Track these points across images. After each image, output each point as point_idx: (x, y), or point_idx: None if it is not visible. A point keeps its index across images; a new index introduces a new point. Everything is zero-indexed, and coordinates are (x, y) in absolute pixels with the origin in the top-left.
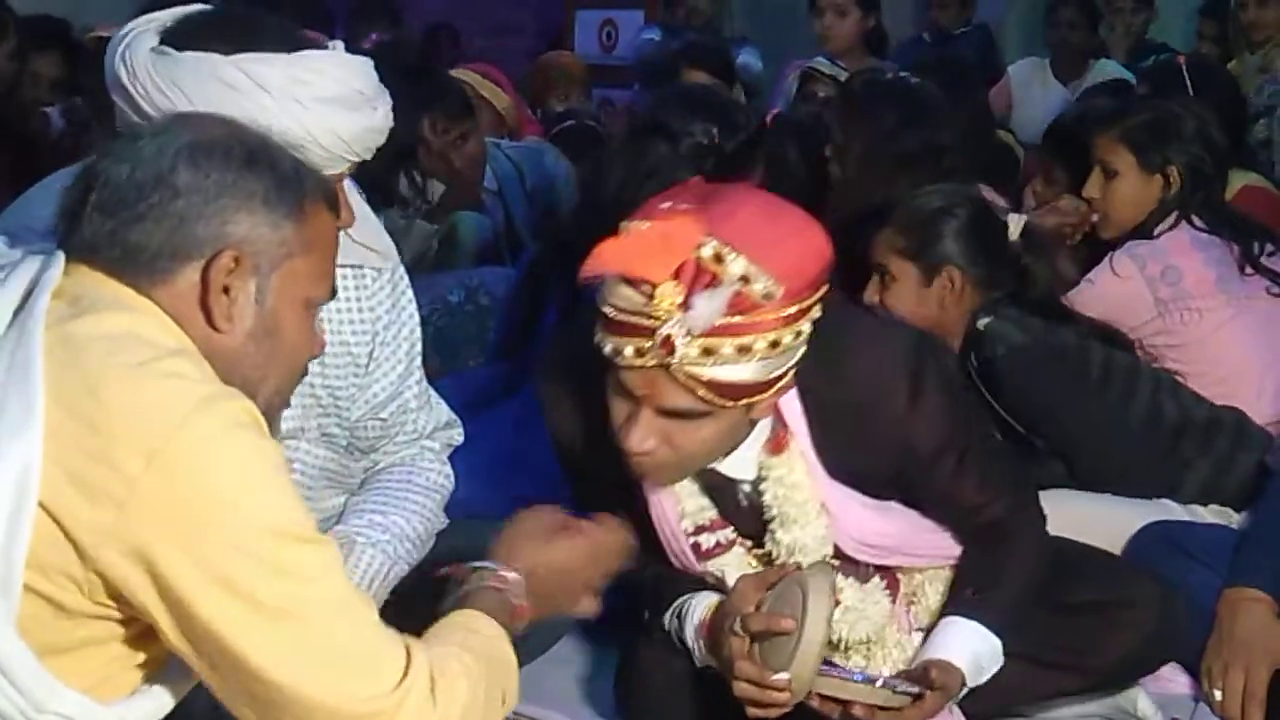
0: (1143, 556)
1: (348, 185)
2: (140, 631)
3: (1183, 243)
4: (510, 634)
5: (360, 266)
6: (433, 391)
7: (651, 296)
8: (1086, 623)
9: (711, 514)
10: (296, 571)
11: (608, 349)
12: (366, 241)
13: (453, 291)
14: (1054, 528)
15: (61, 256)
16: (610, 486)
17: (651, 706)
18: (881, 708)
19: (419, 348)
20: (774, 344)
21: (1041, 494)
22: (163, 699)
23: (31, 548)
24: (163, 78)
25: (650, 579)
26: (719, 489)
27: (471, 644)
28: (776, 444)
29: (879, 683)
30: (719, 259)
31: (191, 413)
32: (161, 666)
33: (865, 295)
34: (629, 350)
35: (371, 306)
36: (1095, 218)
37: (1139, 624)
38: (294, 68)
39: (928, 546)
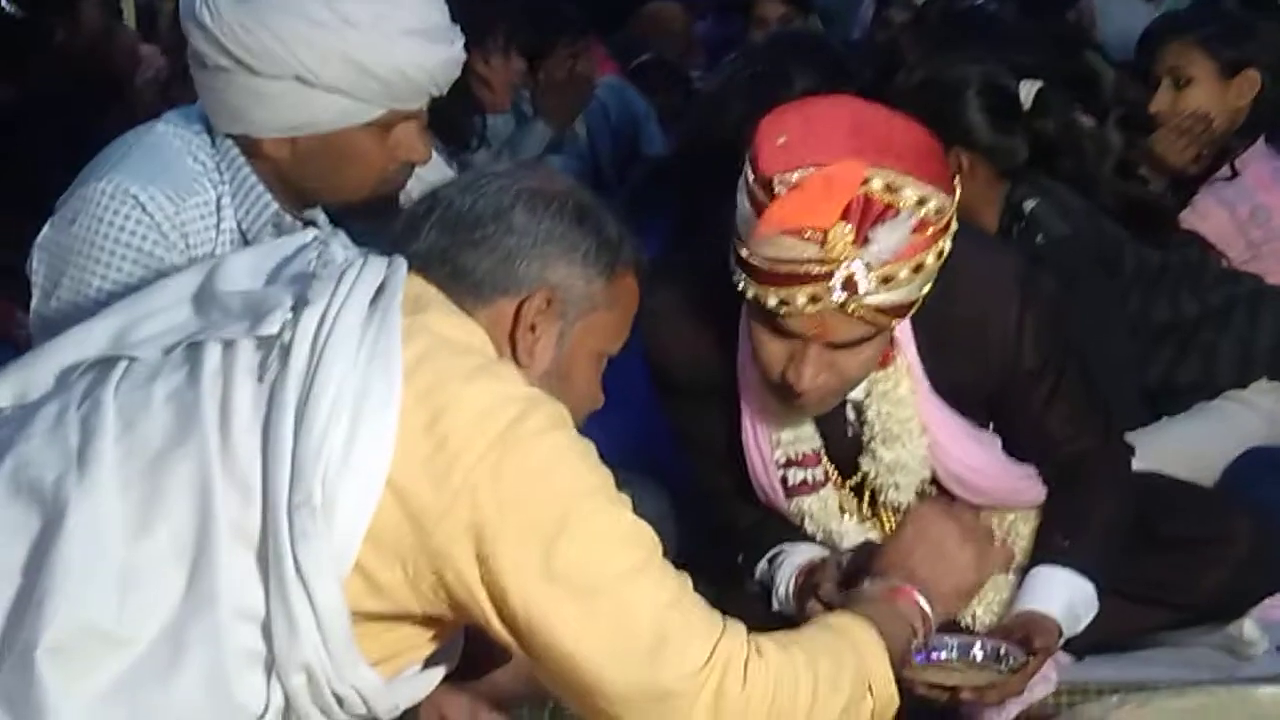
0: (1243, 481)
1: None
2: (429, 618)
3: (1264, 178)
4: (892, 644)
5: None
6: None
7: (823, 242)
8: (1179, 559)
9: (805, 447)
10: (607, 555)
11: (772, 301)
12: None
13: None
14: (1150, 462)
15: (404, 260)
16: (708, 409)
17: None
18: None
19: None
20: (940, 254)
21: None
22: (422, 686)
23: (372, 522)
24: (249, 17)
25: (749, 526)
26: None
27: (822, 640)
28: (884, 357)
29: (978, 654)
30: (891, 189)
31: (522, 411)
32: (433, 654)
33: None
34: (801, 299)
35: None
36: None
37: (1232, 558)
38: (379, 2)
39: (1020, 493)
